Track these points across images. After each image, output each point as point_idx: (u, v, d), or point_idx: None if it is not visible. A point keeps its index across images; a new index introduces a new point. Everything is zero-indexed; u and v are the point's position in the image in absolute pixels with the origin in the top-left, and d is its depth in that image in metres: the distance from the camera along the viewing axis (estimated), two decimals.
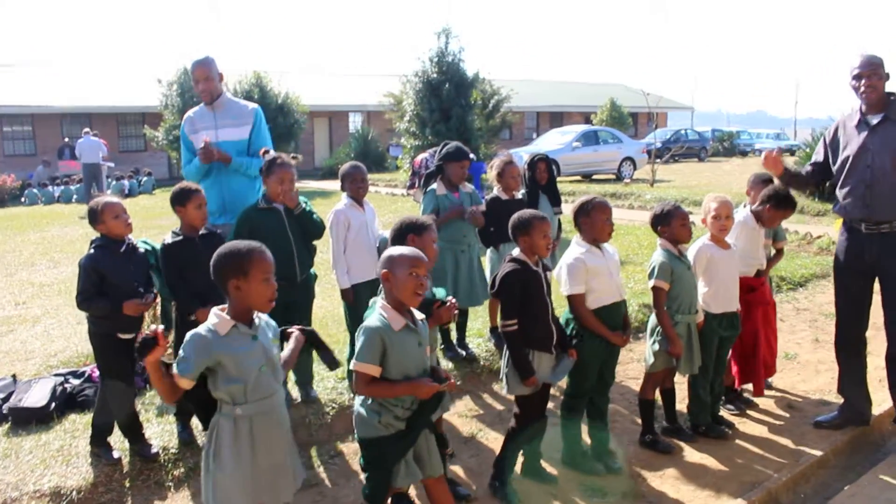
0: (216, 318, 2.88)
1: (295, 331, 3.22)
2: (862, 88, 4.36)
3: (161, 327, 2.76)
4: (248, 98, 22.41)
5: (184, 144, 5.40)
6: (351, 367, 3.14)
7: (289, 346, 3.18)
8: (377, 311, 3.20)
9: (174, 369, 2.81)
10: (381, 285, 3.29)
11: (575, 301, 4.14)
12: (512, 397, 4.10)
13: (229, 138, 5.25)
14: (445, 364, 5.57)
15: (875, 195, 4.35)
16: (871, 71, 4.33)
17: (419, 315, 3.29)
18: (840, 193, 4.57)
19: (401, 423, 3.19)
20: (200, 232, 4.38)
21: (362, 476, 4.25)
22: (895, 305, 4.42)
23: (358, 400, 3.30)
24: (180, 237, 4.34)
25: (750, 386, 5.50)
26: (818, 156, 4.78)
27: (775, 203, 4.89)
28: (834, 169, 4.62)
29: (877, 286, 4.57)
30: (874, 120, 4.37)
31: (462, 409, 5.22)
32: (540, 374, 3.92)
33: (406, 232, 3.66)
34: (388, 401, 3.18)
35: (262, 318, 3.03)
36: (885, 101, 4.36)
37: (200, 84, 5.28)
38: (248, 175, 5.26)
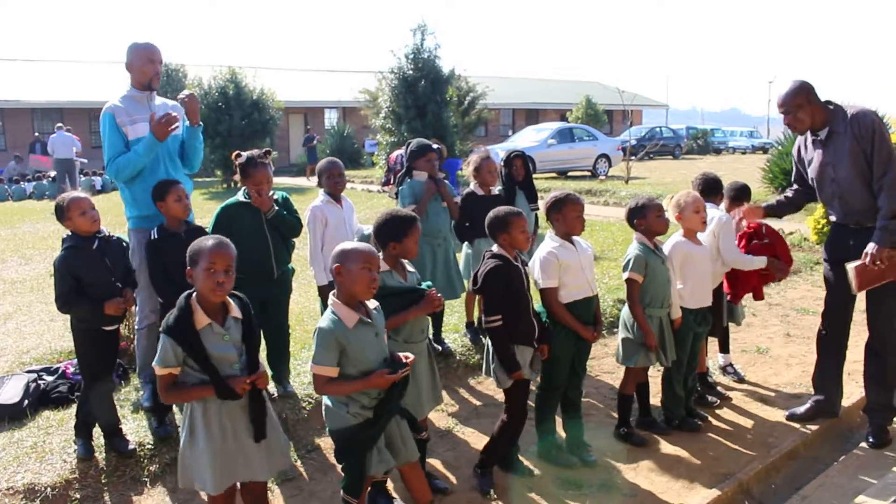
0: (198, 310, 3.02)
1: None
2: (787, 125, 4.52)
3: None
4: (223, 94, 22.27)
5: (115, 135, 4.66)
6: (311, 369, 3.18)
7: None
8: (329, 311, 3.22)
9: (155, 362, 3.01)
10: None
11: (547, 295, 4.18)
12: (491, 392, 4.12)
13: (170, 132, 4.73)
14: None
15: (847, 203, 4.43)
16: (788, 107, 4.40)
17: (372, 304, 3.30)
18: (822, 203, 4.71)
19: (369, 412, 3.22)
20: (185, 227, 4.37)
21: (339, 468, 4.28)
22: (877, 298, 4.49)
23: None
24: (165, 233, 4.32)
25: (723, 379, 5.60)
26: (795, 173, 4.86)
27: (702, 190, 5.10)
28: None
29: None
30: (822, 135, 4.45)
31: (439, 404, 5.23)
32: (523, 369, 3.96)
33: (393, 235, 3.64)
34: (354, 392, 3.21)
35: (235, 316, 3.12)
36: (827, 115, 4.42)
37: (157, 65, 4.76)
38: (198, 155, 5.01)
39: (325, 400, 3.31)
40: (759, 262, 4.92)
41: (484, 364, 4.14)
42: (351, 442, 3.24)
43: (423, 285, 3.74)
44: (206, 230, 4.50)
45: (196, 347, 2.96)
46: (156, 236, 4.33)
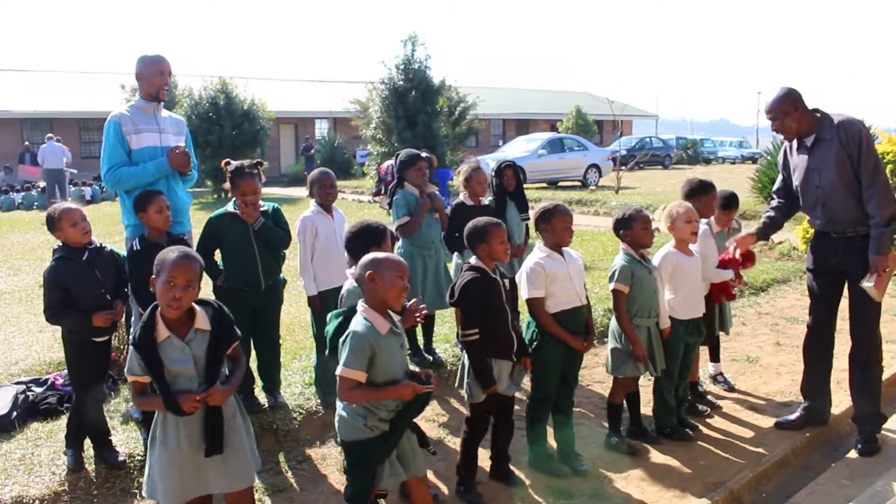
0: (160, 323, 3.03)
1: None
2: (775, 130, 4.57)
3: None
4: (214, 104, 22.26)
5: (118, 143, 4.69)
6: (337, 373, 3.14)
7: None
8: (360, 316, 3.20)
9: (125, 368, 3.06)
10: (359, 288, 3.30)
11: (534, 305, 4.19)
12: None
13: (170, 145, 4.85)
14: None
15: (831, 210, 4.47)
16: (775, 114, 4.47)
17: (396, 316, 3.31)
18: (804, 211, 4.74)
19: (385, 425, 3.21)
20: (167, 238, 4.35)
21: (332, 480, 4.27)
22: (859, 307, 4.53)
23: (341, 403, 3.29)
24: (147, 243, 4.29)
25: (714, 388, 5.61)
26: (779, 182, 4.89)
27: (689, 195, 5.05)
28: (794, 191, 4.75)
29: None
30: (809, 142, 4.51)
31: (429, 414, 5.23)
32: (500, 383, 3.94)
33: (369, 243, 3.64)
34: (374, 404, 3.19)
35: (201, 328, 3.08)
36: (814, 122, 4.48)
37: (166, 77, 4.85)
38: (189, 184, 5.14)
39: (340, 410, 3.29)
40: (727, 274, 4.96)
41: (458, 375, 4.14)
42: (365, 455, 3.23)
43: None
44: (188, 241, 4.49)
45: (151, 361, 2.97)
46: (138, 247, 4.30)
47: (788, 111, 4.44)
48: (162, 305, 3.00)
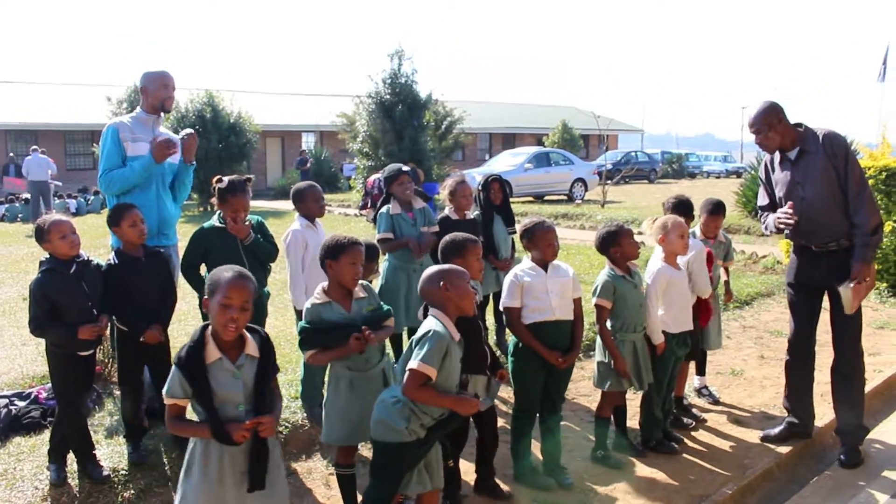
0: (210, 343, 2.91)
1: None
2: (758, 143, 4.62)
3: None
4: (200, 117, 22.23)
5: (114, 148, 4.82)
6: (411, 366, 3.15)
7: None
8: (435, 319, 3.26)
9: (164, 390, 2.91)
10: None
11: (508, 314, 4.25)
12: None
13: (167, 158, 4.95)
14: None
15: (814, 223, 4.50)
16: (759, 127, 4.52)
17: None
18: None
19: (423, 432, 3.23)
20: (144, 251, 4.34)
21: (317, 494, 4.25)
22: (842, 320, 4.56)
23: (381, 405, 3.30)
24: (124, 258, 4.27)
25: (698, 401, 5.64)
26: (765, 198, 4.88)
27: (675, 211, 5.14)
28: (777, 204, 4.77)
29: (825, 304, 4.72)
30: (792, 155, 4.55)
31: None
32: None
33: (329, 256, 3.62)
34: (421, 409, 3.21)
35: (251, 354, 2.97)
36: (797, 136, 4.53)
37: (171, 91, 5.04)
38: (185, 191, 5.19)
39: (379, 415, 3.28)
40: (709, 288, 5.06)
41: None
42: (397, 457, 3.23)
43: (385, 309, 3.79)
44: (172, 254, 4.48)
45: (201, 383, 2.82)
46: (115, 261, 4.28)
47: (772, 124, 4.49)
48: (217, 327, 2.87)
